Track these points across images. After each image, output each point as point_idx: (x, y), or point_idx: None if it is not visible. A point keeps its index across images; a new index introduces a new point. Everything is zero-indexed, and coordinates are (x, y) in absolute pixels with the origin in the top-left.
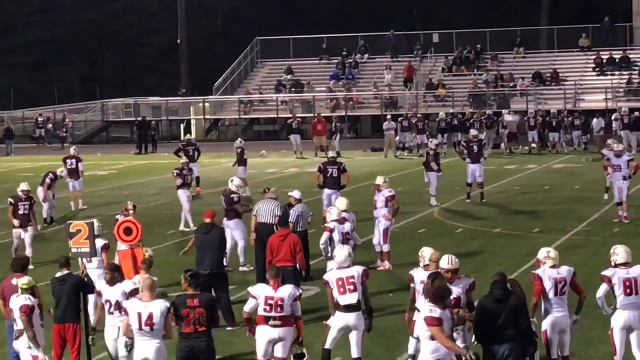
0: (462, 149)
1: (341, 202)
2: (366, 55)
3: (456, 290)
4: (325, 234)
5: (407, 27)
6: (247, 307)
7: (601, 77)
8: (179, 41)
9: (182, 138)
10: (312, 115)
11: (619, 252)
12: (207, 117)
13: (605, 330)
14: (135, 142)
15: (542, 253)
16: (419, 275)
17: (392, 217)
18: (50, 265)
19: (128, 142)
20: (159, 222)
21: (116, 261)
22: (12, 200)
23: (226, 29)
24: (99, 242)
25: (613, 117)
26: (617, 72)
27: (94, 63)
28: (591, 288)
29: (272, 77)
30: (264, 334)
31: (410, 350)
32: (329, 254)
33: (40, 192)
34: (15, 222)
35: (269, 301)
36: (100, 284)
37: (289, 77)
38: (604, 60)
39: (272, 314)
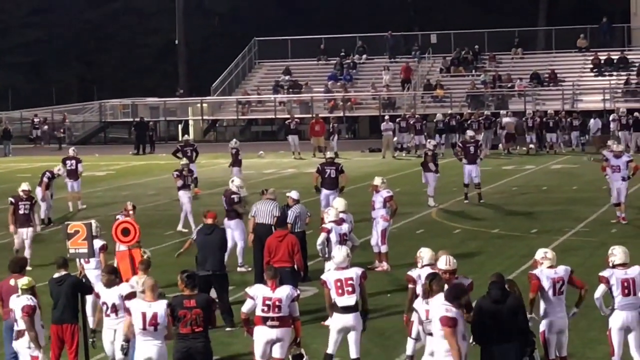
0: (458, 150)
1: (339, 203)
2: (364, 56)
3: None
4: (323, 235)
5: (405, 28)
6: (245, 307)
7: (599, 78)
8: (177, 42)
9: (180, 139)
10: (310, 115)
11: (617, 253)
12: (205, 117)
13: (603, 330)
14: (133, 143)
15: (539, 254)
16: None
17: (390, 217)
18: (48, 266)
19: (126, 143)
20: (157, 223)
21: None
22: (12, 200)
23: (224, 30)
24: (97, 243)
25: (611, 117)
26: (615, 73)
27: (92, 64)
28: (589, 289)
29: (270, 77)
30: (262, 334)
31: (409, 351)
32: (326, 255)
33: (38, 192)
34: (12, 227)
35: (267, 302)
36: (98, 285)
37: (287, 77)
38: (602, 61)
39: (270, 314)
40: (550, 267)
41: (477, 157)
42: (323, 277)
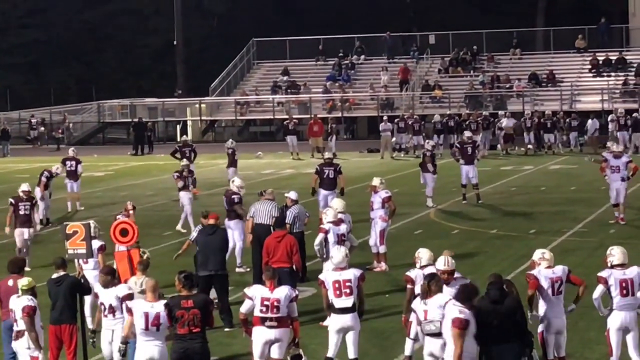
0: (455, 151)
1: (337, 203)
2: (362, 57)
3: (452, 292)
4: (320, 235)
5: (404, 29)
6: (244, 308)
7: (597, 79)
8: (175, 42)
9: (178, 139)
10: (308, 116)
11: (616, 253)
12: (203, 118)
13: (601, 331)
14: (132, 144)
15: (537, 254)
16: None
17: (388, 218)
18: (47, 266)
19: (124, 144)
20: (156, 224)
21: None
22: (12, 201)
23: (222, 30)
24: (95, 244)
25: (609, 118)
26: (613, 74)
27: (90, 64)
28: (587, 289)
29: (268, 78)
30: (260, 335)
31: (407, 352)
32: (324, 256)
33: (37, 192)
34: (7, 229)
35: (265, 302)
36: (97, 285)
37: (285, 78)
38: (600, 62)
39: (269, 315)
40: (548, 267)
41: (475, 158)
42: (321, 277)
